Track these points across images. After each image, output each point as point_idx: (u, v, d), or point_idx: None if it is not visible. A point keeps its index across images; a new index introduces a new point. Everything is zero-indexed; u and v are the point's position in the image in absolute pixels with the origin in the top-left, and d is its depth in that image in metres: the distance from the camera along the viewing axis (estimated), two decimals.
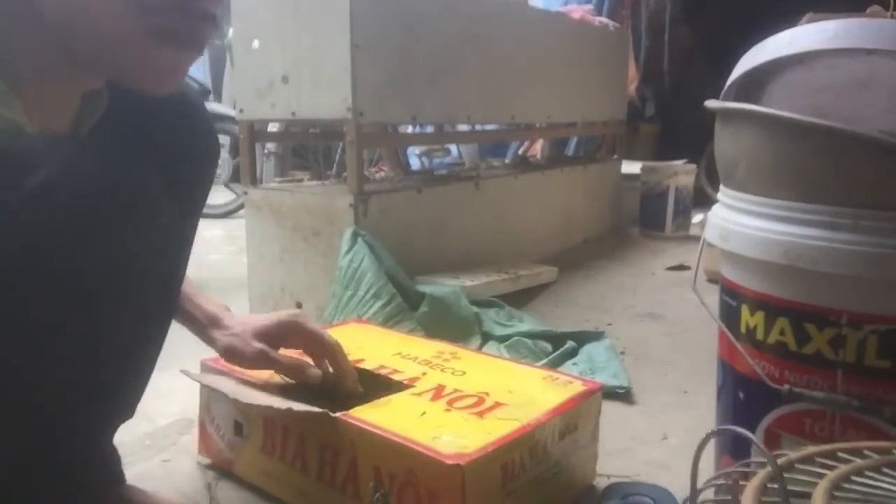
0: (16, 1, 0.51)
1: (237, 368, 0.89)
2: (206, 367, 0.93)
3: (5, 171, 0.46)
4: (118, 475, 0.78)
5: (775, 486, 0.43)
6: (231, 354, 0.82)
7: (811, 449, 0.48)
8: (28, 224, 0.46)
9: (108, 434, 0.73)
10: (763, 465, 0.46)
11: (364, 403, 0.80)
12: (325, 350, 0.83)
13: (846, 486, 0.43)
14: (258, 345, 0.81)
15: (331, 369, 0.86)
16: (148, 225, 0.54)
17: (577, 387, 0.87)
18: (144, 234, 0.53)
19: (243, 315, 0.86)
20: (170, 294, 0.67)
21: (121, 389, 0.63)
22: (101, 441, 0.70)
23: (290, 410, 0.75)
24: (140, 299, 0.57)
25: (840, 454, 0.48)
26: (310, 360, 0.87)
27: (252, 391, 0.83)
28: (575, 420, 0.83)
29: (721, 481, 0.48)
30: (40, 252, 0.47)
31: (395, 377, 0.89)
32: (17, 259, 0.46)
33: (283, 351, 0.85)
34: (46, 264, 0.47)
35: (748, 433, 0.45)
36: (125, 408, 0.69)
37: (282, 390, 0.86)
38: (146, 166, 0.54)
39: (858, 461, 0.46)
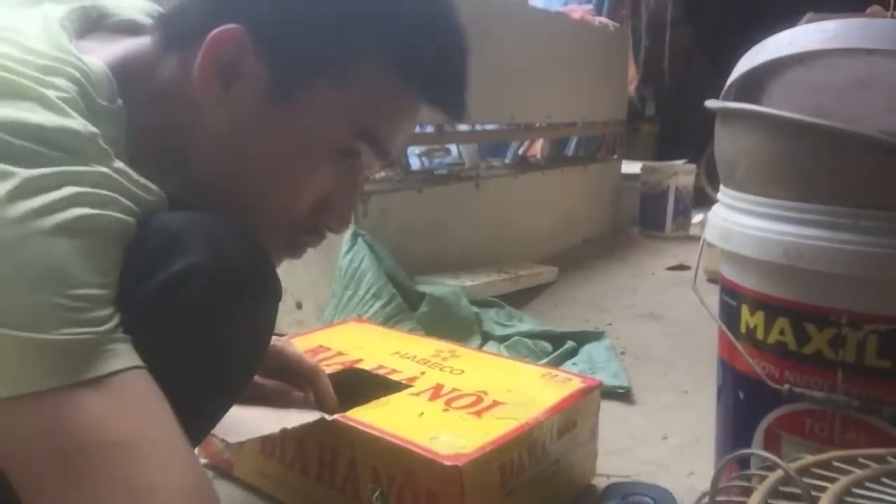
0: (177, 169, 0.56)
1: None
2: None
3: (150, 251, 0.48)
4: None
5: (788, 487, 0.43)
6: None
7: (808, 459, 0.48)
8: (157, 316, 0.47)
9: None
10: (760, 476, 0.46)
11: (362, 404, 0.80)
12: (304, 375, 0.82)
13: (848, 499, 0.43)
14: None
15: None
16: (268, 306, 0.56)
17: (576, 384, 0.87)
18: (269, 314, 0.57)
19: None
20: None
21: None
22: None
23: (283, 431, 0.74)
24: (251, 373, 0.62)
25: (836, 464, 0.47)
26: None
27: (242, 421, 0.81)
28: (574, 418, 0.83)
29: (723, 497, 0.48)
30: (174, 334, 0.48)
31: (394, 377, 0.89)
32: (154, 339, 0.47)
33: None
34: (178, 347, 0.49)
35: (768, 455, 0.45)
36: None
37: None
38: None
39: (857, 472, 0.46)
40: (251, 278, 0.52)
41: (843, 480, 0.44)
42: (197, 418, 0.54)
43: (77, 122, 0.46)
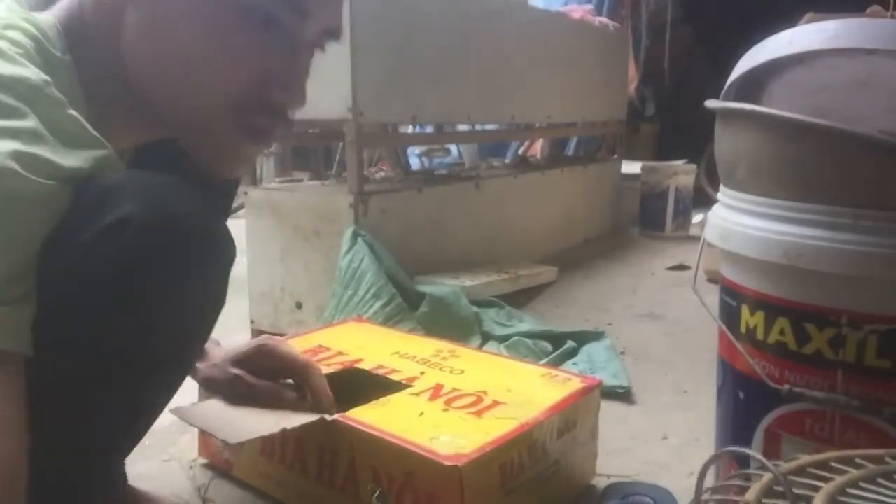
0: (115, 82, 0.57)
1: None
2: (201, 393, 0.92)
3: (88, 206, 0.49)
4: (119, 475, 0.78)
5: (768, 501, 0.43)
6: (208, 385, 0.82)
7: (805, 459, 0.48)
8: (96, 259, 0.49)
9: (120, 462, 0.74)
10: (759, 475, 0.46)
11: (362, 404, 0.80)
12: (296, 373, 0.82)
13: (842, 499, 0.42)
14: (234, 371, 0.81)
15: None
16: (211, 264, 0.56)
17: (576, 384, 0.87)
18: (210, 274, 0.56)
19: (227, 346, 0.86)
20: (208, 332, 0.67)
21: (150, 419, 0.64)
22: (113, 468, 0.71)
23: (283, 431, 0.74)
24: (196, 340, 0.61)
25: (833, 464, 0.47)
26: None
27: (242, 422, 0.81)
28: (573, 418, 0.83)
29: (720, 496, 0.48)
30: (103, 286, 0.50)
31: (394, 377, 0.89)
32: (84, 292, 0.49)
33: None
34: (106, 299, 0.50)
35: (754, 453, 0.45)
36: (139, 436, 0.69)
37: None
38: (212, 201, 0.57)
39: (853, 472, 0.45)
40: (188, 230, 0.52)
41: (838, 480, 0.44)
42: (142, 377, 0.55)
43: (30, 71, 0.49)
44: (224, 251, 0.56)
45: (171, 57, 0.56)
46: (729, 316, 0.73)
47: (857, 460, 0.47)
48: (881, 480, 0.45)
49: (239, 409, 0.81)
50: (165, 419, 1.05)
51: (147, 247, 0.50)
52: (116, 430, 0.59)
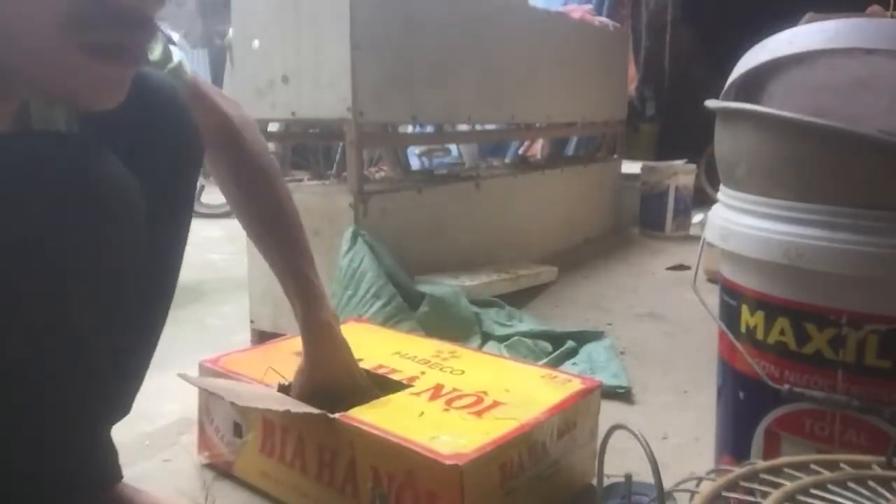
0: None
1: (234, 370, 0.89)
2: (203, 370, 0.93)
3: None
4: (115, 472, 0.78)
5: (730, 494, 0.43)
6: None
7: (783, 459, 0.48)
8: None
9: (104, 430, 0.73)
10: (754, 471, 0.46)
11: (362, 404, 0.80)
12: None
13: (802, 498, 0.42)
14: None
15: None
16: (126, 223, 0.53)
17: (576, 385, 0.87)
18: (121, 233, 0.53)
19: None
20: (160, 291, 0.67)
21: (113, 385, 0.63)
22: (97, 437, 0.70)
23: (287, 412, 0.75)
24: (126, 297, 0.56)
25: (813, 466, 0.47)
26: None
27: (250, 394, 0.83)
28: (573, 418, 0.83)
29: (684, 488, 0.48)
30: (13, 254, 0.46)
31: (394, 377, 0.89)
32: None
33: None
34: (21, 266, 0.47)
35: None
36: (120, 404, 0.69)
37: (280, 391, 0.86)
38: (116, 163, 0.53)
39: (827, 474, 0.45)
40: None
41: (805, 480, 0.44)
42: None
43: None
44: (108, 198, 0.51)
45: None
46: (729, 316, 0.73)
47: (842, 464, 0.47)
48: (851, 484, 0.44)
49: (247, 386, 0.85)
50: (165, 420, 1.06)
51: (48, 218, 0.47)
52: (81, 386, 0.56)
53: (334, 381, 0.84)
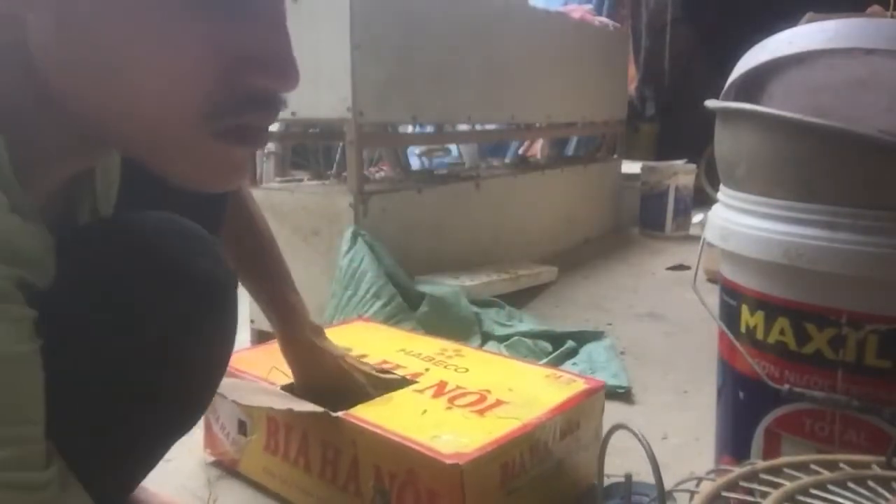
0: (31, 111, 0.43)
1: (239, 369, 0.89)
2: None
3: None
4: None
5: (730, 494, 0.43)
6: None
7: (783, 459, 0.48)
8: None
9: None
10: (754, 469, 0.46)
11: (365, 401, 0.81)
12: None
13: (802, 498, 0.42)
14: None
15: None
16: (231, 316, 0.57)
17: (580, 385, 0.87)
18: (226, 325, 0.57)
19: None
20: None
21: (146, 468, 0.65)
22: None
23: (290, 411, 0.75)
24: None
25: (813, 466, 0.47)
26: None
27: (253, 392, 0.83)
28: (577, 419, 0.83)
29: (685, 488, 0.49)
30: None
31: (398, 372, 0.90)
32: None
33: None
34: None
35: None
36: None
37: (284, 389, 0.86)
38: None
39: (826, 474, 0.45)
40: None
41: (805, 480, 0.44)
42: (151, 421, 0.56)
43: None
44: (219, 300, 0.55)
45: (93, 62, 0.41)
46: (729, 316, 0.73)
47: (842, 464, 0.47)
48: (851, 485, 0.45)
49: (251, 385, 0.85)
50: None
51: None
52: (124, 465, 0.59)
53: (329, 382, 0.85)
